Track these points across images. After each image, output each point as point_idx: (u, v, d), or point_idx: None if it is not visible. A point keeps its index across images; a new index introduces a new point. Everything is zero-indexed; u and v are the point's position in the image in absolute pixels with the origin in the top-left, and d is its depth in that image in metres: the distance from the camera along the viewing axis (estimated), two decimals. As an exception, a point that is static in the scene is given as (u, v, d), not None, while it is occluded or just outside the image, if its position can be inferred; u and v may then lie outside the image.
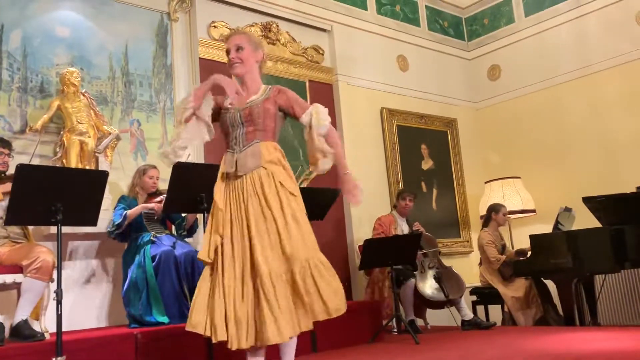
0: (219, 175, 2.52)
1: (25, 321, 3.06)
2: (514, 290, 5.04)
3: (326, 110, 2.51)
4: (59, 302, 2.71)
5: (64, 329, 2.76)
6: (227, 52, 2.57)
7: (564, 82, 6.23)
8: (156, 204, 3.85)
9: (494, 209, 5.41)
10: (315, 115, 2.47)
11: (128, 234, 3.89)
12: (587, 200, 4.70)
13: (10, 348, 2.85)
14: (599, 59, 5.96)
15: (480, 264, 5.37)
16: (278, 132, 2.56)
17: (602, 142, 5.91)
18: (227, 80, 2.45)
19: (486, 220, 5.44)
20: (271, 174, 2.40)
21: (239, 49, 2.52)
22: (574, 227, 5.09)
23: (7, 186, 3.18)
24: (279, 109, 2.53)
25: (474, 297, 5.42)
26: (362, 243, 4.69)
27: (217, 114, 2.57)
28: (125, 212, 3.82)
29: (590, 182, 5.71)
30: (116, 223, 3.80)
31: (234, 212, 2.40)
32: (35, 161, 3.90)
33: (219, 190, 2.47)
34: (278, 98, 2.52)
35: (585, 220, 4.94)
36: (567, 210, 5.17)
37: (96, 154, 4.08)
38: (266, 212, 2.34)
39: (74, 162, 3.92)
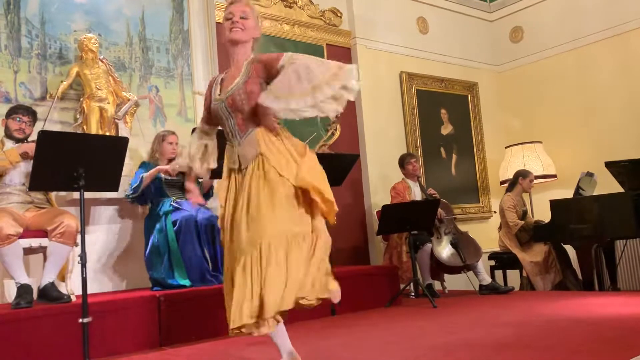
0: (224, 171, 2.35)
1: (52, 284, 3.16)
2: (533, 255, 5.03)
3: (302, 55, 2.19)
4: (83, 265, 2.79)
5: (88, 291, 2.84)
6: (228, 16, 2.33)
7: (592, 43, 6.06)
8: (170, 167, 3.87)
9: (522, 174, 5.36)
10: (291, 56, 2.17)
11: (147, 197, 3.94)
12: (609, 165, 4.62)
13: (39, 309, 2.94)
14: (630, 17, 5.77)
15: (500, 228, 5.36)
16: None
17: (630, 104, 5.77)
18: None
19: (511, 184, 5.40)
20: (266, 162, 2.17)
21: (243, 17, 2.32)
22: (596, 192, 5.02)
23: (27, 146, 3.24)
24: (265, 82, 2.22)
25: (492, 262, 5.42)
26: (379, 209, 4.70)
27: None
28: (142, 175, 3.87)
29: (615, 146, 5.61)
30: (133, 186, 3.85)
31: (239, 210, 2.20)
32: (56, 127, 3.95)
33: (223, 188, 2.31)
34: (257, 70, 2.24)
35: (607, 185, 4.88)
36: (589, 175, 5.10)
37: (116, 121, 4.10)
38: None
39: (94, 129, 3.96)
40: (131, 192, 3.86)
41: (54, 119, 3.99)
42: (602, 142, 5.84)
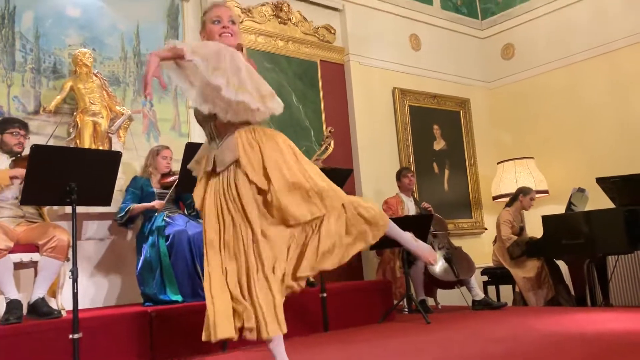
0: (198, 172, 2.35)
1: (42, 299, 3.12)
2: (526, 270, 5.04)
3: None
4: (74, 280, 2.76)
5: (79, 306, 2.82)
6: (216, 19, 2.31)
7: (582, 61, 6.13)
8: (158, 203, 3.85)
9: (524, 191, 5.38)
10: None
11: (134, 221, 3.95)
12: (600, 181, 4.66)
13: (28, 325, 2.91)
14: (619, 35, 5.85)
15: (495, 242, 5.37)
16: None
17: (620, 121, 5.83)
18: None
19: (512, 199, 5.42)
20: (244, 173, 2.16)
21: (232, 22, 2.33)
22: (587, 208, 5.05)
23: (17, 171, 3.22)
24: None
25: (485, 278, 5.43)
26: (373, 223, 4.69)
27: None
28: (130, 206, 3.85)
29: (606, 162, 5.66)
30: (119, 215, 3.86)
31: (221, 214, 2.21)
32: (50, 141, 3.94)
33: (199, 191, 2.30)
34: None
35: (598, 201, 4.91)
36: (581, 190, 5.13)
37: (109, 135, 4.10)
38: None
39: (87, 143, 3.96)
40: (117, 218, 3.87)
41: (47, 132, 3.99)
42: (593, 158, 5.88)
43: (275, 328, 2.06)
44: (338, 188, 2.31)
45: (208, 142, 2.34)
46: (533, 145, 6.43)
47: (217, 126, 2.25)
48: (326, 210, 2.22)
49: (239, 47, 2.35)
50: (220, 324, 2.08)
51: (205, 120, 2.28)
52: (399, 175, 5.18)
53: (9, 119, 3.54)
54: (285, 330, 2.10)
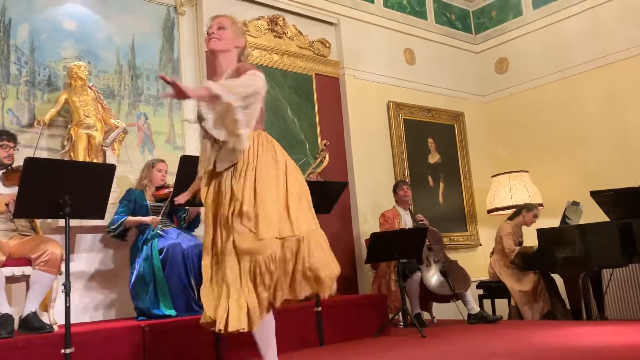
0: (202, 173, 2.46)
1: (34, 313, 3.09)
2: (522, 284, 5.03)
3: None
4: (67, 294, 2.73)
5: (72, 321, 2.78)
6: (207, 30, 2.49)
7: (577, 74, 6.17)
8: (152, 218, 3.84)
9: (528, 207, 5.38)
10: None
11: (127, 234, 3.92)
12: (595, 195, 4.67)
13: (20, 340, 2.87)
14: (614, 49, 5.89)
15: (492, 254, 5.36)
16: (262, 120, 2.43)
17: (615, 135, 5.86)
18: None
19: (515, 214, 5.42)
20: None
21: (220, 28, 2.46)
22: (582, 222, 5.06)
23: (9, 196, 3.18)
24: None
25: (481, 291, 5.41)
26: (368, 237, 4.69)
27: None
28: (125, 218, 3.83)
29: (601, 176, 5.67)
30: (112, 227, 3.83)
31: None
32: (43, 154, 3.92)
33: (203, 188, 2.43)
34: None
35: (593, 214, 4.92)
36: (575, 204, 5.15)
37: (103, 148, 4.09)
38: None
39: (81, 156, 3.94)
40: (110, 229, 3.85)
41: (41, 145, 3.97)
42: (587, 172, 5.90)
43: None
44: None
45: (209, 144, 2.41)
46: (527, 158, 6.45)
47: None
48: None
49: (241, 48, 2.48)
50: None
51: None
52: (395, 188, 5.20)
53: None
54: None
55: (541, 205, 6.07)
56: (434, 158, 6.42)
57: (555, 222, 5.17)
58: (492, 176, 6.40)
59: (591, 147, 6.01)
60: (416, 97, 6.36)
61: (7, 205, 3.19)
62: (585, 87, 6.11)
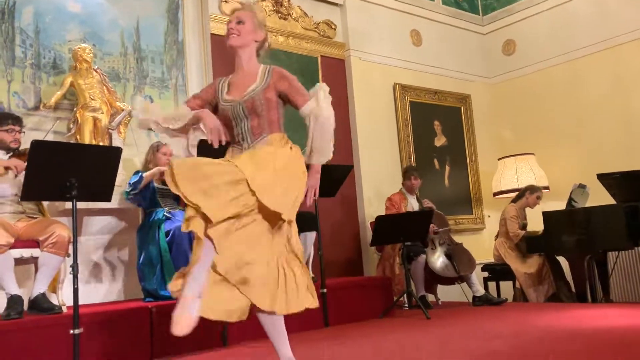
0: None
1: (43, 294, 3.13)
2: (527, 266, 5.04)
3: (328, 100, 2.40)
4: (75, 276, 2.77)
5: (80, 302, 2.82)
6: (227, 25, 2.47)
7: (584, 56, 6.11)
8: (160, 169, 3.88)
9: (531, 189, 5.39)
10: (317, 107, 2.38)
11: (144, 198, 3.93)
12: (601, 177, 4.65)
13: (30, 320, 2.92)
14: (622, 31, 5.82)
15: (497, 237, 5.37)
16: (283, 121, 2.43)
17: (622, 117, 5.81)
18: (210, 119, 2.31)
19: (518, 196, 5.42)
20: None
21: (239, 22, 2.44)
22: (588, 204, 5.05)
23: (12, 161, 3.22)
24: (278, 96, 2.39)
25: (486, 274, 5.43)
26: (373, 220, 4.70)
27: (215, 106, 2.45)
28: (142, 173, 3.88)
29: (607, 158, 5.65)
30: (132, 182, 3.85)
31: None
32: (49, 137, 3.94)
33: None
34: (279, 84, 2.37)
35: (599, 197, 4.91)
36: (581, 187, 5.13)
37: (109, 131, 4.10)
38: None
39: (87, 139, 3.95)
40: (130, 188, 3.85)
41: (47, 128, 3.98)
42: (594, 154, 5.88)
43: None
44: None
45: (234, 143, 2.37)
46: (534, 141, 6.42)
47: (253, 126, 2.33)
48: None
49: (260, 41, 2.50)
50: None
51: (241, 119, 2.33)
52: (404, 175, 5.19)
53: (1, 115, 3.50)
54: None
55: (547, 188, 6.06)
56: (440, 141, 6.39)
57: (561, 205, 5.17)
58: (499, 159, 6.38)
59: (598, 129, 5.97)
60: (422, 79, 6.32)
61: (6, 168, 3.21)
62: (592, 70, 6.05)
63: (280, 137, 2.35)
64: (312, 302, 2.20)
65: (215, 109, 2.44)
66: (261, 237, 2.13)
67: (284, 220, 2.16)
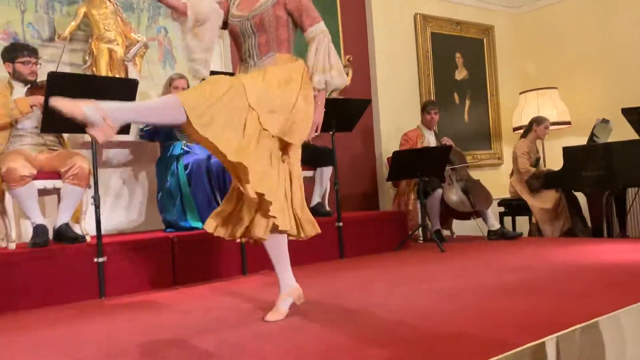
0: None
1: (67, 224, 3.22)
2: (543, 202, 5.03)
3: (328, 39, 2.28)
4: (97, 207, 2.83)
5: (102, 232, 2.90)
6: None
7: (615, -16, 5.82)
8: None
9: (537, 120, 5.29)
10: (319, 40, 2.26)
11: (159, 134, 3.95)
12: (626, 112, 4.54)
13: (55, 248, 3.02)
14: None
15: (512, 174, 5.34)
16: (293, 43, 2.33)
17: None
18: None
19: (526, 131, 5.34)
20: None
21: None
22: (611, 140, 4.95)
23: (36, 98, 3.23)
24: (288, 14, 2.27)
25: (502, 209, 5.43)
26: (390, 155, 4.69)
27: (225, 22, 2.37)
28: None
29: (633, 92, 5.49)
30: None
31: None
32: (65, 69, 3.91)
33: None
34: (289, 1, 2.25)
35: (623, 132, 4.80)
36: (605, 122, 5.01)
37: (125, 63, 4.06)
38: None
39: (103, 71, 3.93)
40: (143, 125, 3.87)
41: (64, 60, 3.95)
42: (619, 88, 5.70)
43: None
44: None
45: (241, 60, 2.33)
46: (557, 74, 6.23)
47: (260, 43, 2.26)
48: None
49: None
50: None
51: (249, 36, 2.27)
52: (424, 108, 5.11)
53: (17, 46, 3.46)
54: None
55: (569, 123, 5.94)
56: (460, 74, 6.24)
57: (583, 140, 5.08)
58: (520, 93, 6.23)
59: (624, 61, 5.76)
60: (444, 10, 6.09)
61: (32, 106, 3.23)
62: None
63: (288, 58, 2.26)
64: (312, 230, 2.23)
65: (225, 25, 2.38)
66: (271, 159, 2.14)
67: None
